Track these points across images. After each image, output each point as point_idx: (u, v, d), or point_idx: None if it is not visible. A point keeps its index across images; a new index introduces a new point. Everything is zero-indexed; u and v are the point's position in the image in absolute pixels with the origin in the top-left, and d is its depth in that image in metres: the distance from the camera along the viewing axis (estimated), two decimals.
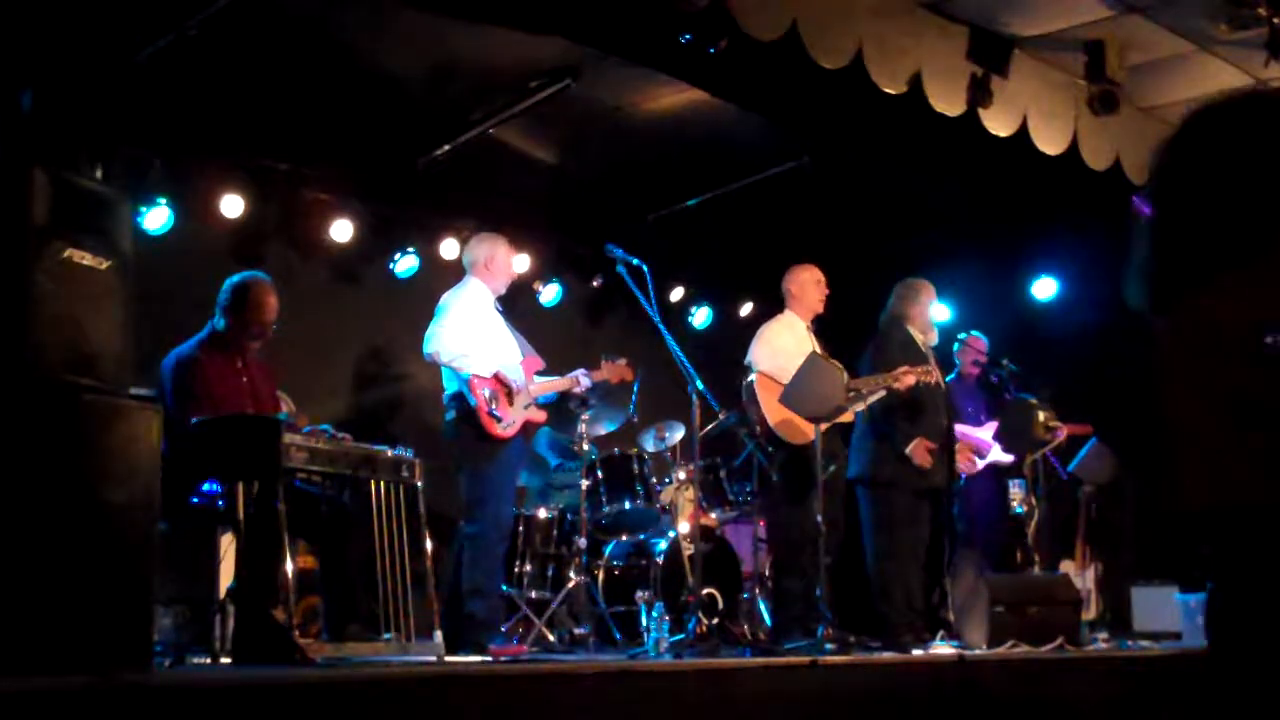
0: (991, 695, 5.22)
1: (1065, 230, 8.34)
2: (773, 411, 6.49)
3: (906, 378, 6.27)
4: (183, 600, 4.91)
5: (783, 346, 6.66)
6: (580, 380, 6.55)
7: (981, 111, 6.47)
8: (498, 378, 6.07)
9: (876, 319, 6.88)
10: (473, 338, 6.05)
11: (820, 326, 6.89)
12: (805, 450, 6.40)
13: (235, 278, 5.40)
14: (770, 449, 6.61)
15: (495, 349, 6.16)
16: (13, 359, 3.42)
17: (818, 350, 6.60)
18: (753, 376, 6.64)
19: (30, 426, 3.36)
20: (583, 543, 6.73)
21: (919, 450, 6.36)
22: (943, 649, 6.21)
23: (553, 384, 6.45)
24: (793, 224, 8.66)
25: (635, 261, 6.17)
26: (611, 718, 3.98)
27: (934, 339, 6.87)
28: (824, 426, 6.19)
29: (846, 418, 6.53)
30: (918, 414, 6.43)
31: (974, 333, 7.99)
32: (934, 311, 6.95)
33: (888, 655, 5.81)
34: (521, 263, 6.67)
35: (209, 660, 4.55)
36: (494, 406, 6.00)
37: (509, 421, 6.03)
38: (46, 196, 3.54)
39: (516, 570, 6.81)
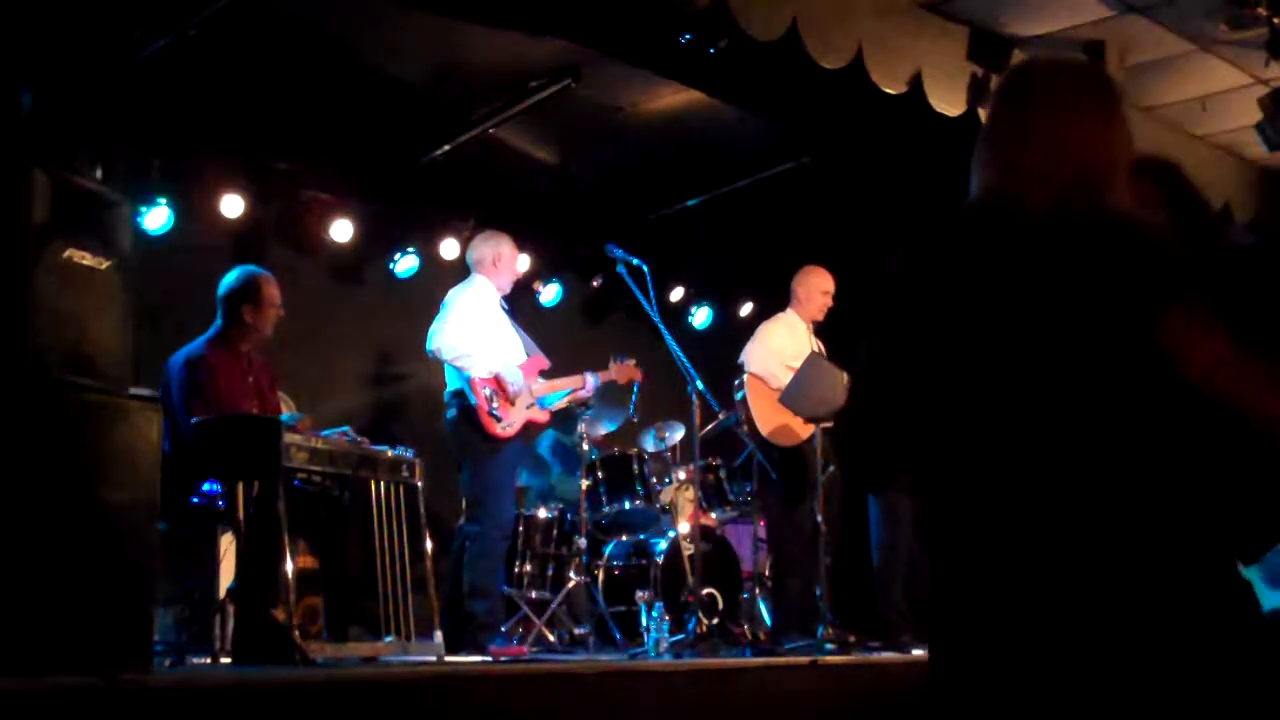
0: None
1: None
2: (764, 419, 6.48)
3: None
4: (183, 600, 4.91)
5: (778, 348, 6.65)
6: (587, 381, 6.53)
7: (981, 111, 6.46)
8: (497, 379, 6.06)
9: (875, 319, 6.86)
10: (477, 336, 6.03)
11: (820, 326, 6.89)
12: (803, 450, 6.40)
13: (233, 274, 5.38)
14: (768, 450, 6.61)
15: (500, 348, 6.14)
16: (13, 359, 3.42)
17: (819, 351, 6.60)
18: (744, 377, 6.64)
19: (30, 426, 3.36)
20: (583, 543, 6.72)
21: None
22: None
23: (557, 384, 6.43)
24: (792, 224, 8.64)
25: (635, 261, 6.17)
26: (611, 718, 3.98)
27: None
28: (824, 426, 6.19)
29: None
30: None
31: None
32: None
33: (888, 655, 5.81)
34: (522, 263, 6.66)
35: (209, 660, 4.56)
36: (494, 406, 5.99)
37: (509, 422, 6.02)
38: (46, 196, 3.53)
39: (516, 570, 6.80)
